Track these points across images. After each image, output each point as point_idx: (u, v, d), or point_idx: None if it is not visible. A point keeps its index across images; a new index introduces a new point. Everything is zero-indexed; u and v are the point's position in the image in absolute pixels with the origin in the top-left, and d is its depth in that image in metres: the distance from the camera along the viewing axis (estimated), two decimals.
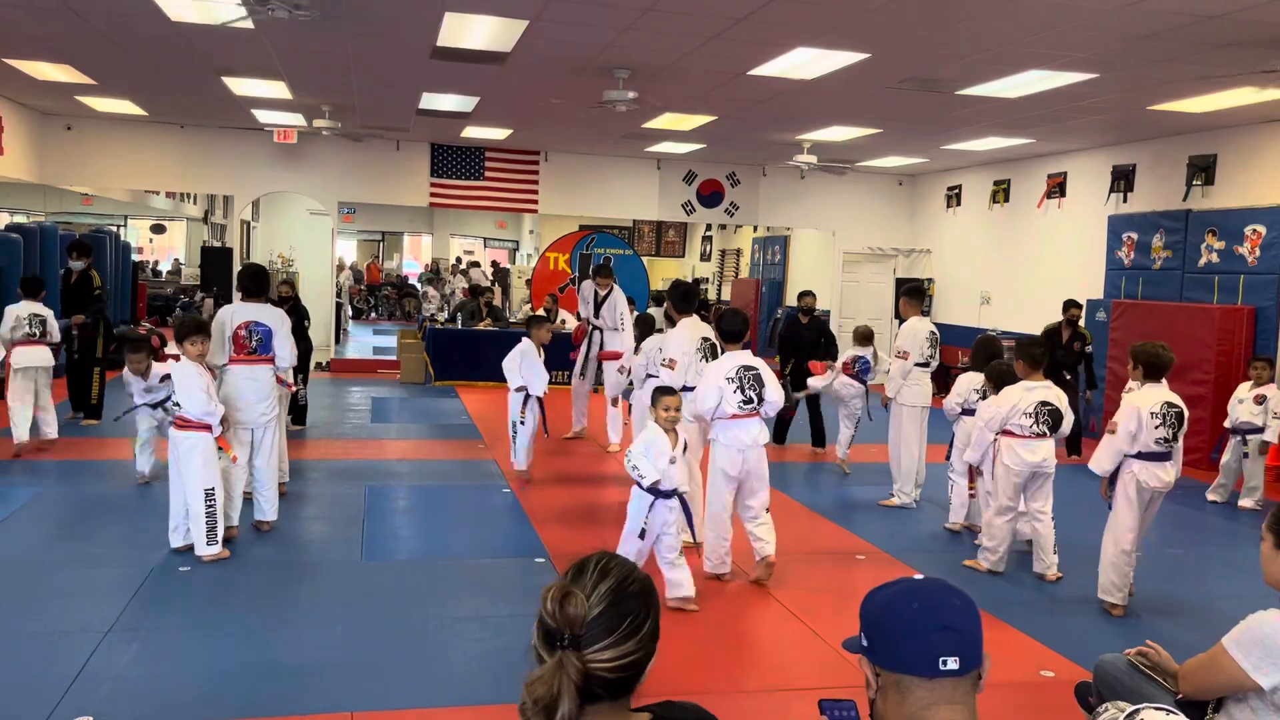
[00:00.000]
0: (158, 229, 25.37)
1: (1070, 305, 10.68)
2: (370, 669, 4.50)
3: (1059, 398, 6.22)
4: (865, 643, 1.74)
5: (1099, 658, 3.16)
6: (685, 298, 7.08)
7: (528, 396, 8.40)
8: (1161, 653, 3.02)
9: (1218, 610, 5.58)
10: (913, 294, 8.34)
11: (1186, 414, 5.60)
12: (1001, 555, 6.31)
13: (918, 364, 7.99)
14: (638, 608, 1.61)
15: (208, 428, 5.85)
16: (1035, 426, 6.13)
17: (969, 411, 7.15)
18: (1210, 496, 8.83)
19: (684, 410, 6.41)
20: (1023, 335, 12.07)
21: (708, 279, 24.07)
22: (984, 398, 6.88)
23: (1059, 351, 10.53)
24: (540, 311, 14.12)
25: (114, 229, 19.85)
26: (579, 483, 8.62)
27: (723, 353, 6.18)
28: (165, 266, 24.30)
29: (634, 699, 1.66)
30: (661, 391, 5.56)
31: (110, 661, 4.44)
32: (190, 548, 5.90)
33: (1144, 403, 5.52)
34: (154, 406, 7.57)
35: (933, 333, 8.18)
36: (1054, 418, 6.16)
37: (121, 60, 9.77)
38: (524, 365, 8.41)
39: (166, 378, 7.12)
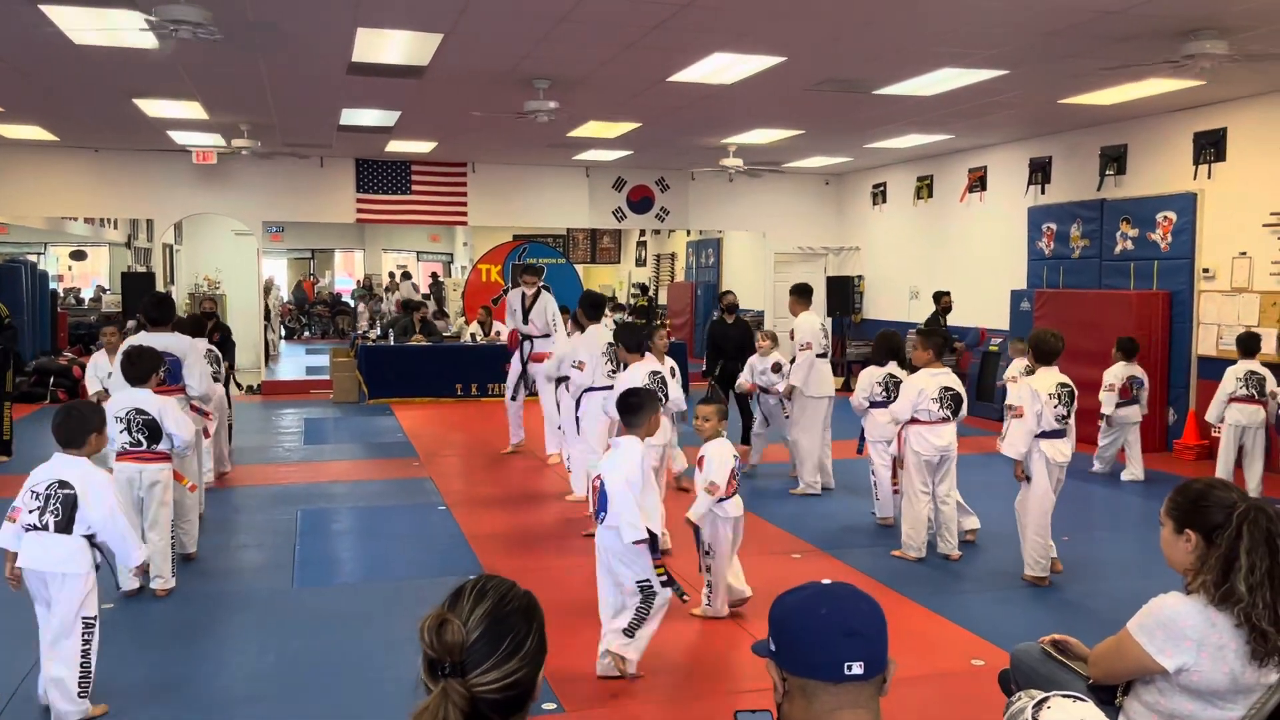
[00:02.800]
0: (78, 255, 24.75)
1: (941, 295, 11.02)
2: (305, 697, 4.43)
3: (957, 382, 6.61)
4: (773, 647, 1.75)
5: (1014, 647, 3.22)
6: (595, 307, 7.77)
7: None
8: (1071, 640, 3.09)
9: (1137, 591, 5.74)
10: (800, 292, 8.88)
11: (1076, 392, 6.10)
12: (924, 540, 6.55)
13: (819, 355, 8.47)
14: (518, 625, 1.62)
15: (169, 459, 5.63)
16: (940, 411, 6.44)
17: (876, 404, 7.41)
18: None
19: (599, 408, 7.17)
20: (953, 329, 12.29)
21: (646, 284, 24.13)
22: (886, 390, 7.35)
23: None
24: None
25: (31, 257, 19.32)
26: (516, 498, 8.55)
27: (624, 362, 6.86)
28: (88, 294, 23.69)
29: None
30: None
31: (33, 702, 4.30)
32: (138, 591, 5.65)
33: (1041, 386, 5.96)
34: None
35: (823, 325, 8.83)
36: (955, 402, 6.51)
37: (27, 86, 9.51)
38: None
39: None
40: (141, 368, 5.56)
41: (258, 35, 7.39)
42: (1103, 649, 2.82)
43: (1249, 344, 8.46)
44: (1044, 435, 5.95)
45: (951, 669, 4.75)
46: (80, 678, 4.02)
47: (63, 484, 4.04)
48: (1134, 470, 9.05)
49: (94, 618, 4.09)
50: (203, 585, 5.99)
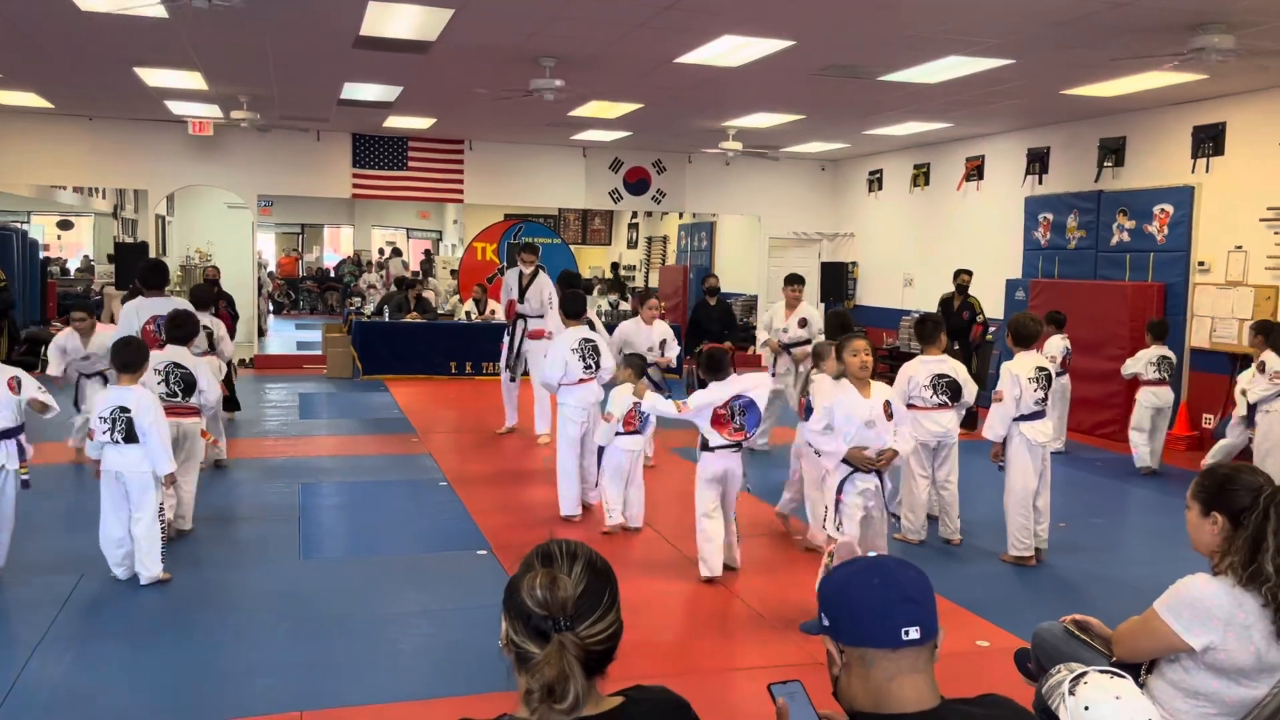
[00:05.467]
0: (65, 225, 24.49)
1: (960, 273, 11.06)
2: (317, 668, 4.46)
3: (955, 369, 6.62)
4: (826, 622, 1.80)
5: (1037, 626, 3.28)
6: (570, 285, 8.62)
7: None
8: (1093, 621, 3.15)
9: (1136, 575, 5.84)
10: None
11: (1054, 375, 6.35)
12: (923, 523, 6.68)
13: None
14: (608, 581, 1.69)
15: (199, 414, 6.27)
16: (935, 397, 6.51)
17: None
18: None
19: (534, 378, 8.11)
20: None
21: (634, 266, 24.12)
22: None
23: (951, 320, 10.73)
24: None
25: (18, 225, 19.13)
26: (516, 475, 8.59)
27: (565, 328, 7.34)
28: (74, 264, 23.47)
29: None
30: (850, 337, 5.40)
31: (44, 675, 4.32)
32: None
33: (1021, 369, 6.14)
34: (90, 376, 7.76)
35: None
36: (952, 389, 6.54)
37: (27, 51, 9.41)
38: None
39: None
40: (186, 330, 6.30)
41: (269, 5, 7.34)
42: (1128, 628, 2.88)
43: (1159, 330, 9.03)
44: (1023, 418, 6.13)
45: (957, 649, 4.82)
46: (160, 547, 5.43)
47: (123, 409, 5.29)
48: (1056, 443, 9.22)
49: (162, 504, 5.51)
50: (210, 556, 6.01)
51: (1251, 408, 7.93)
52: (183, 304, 7.13)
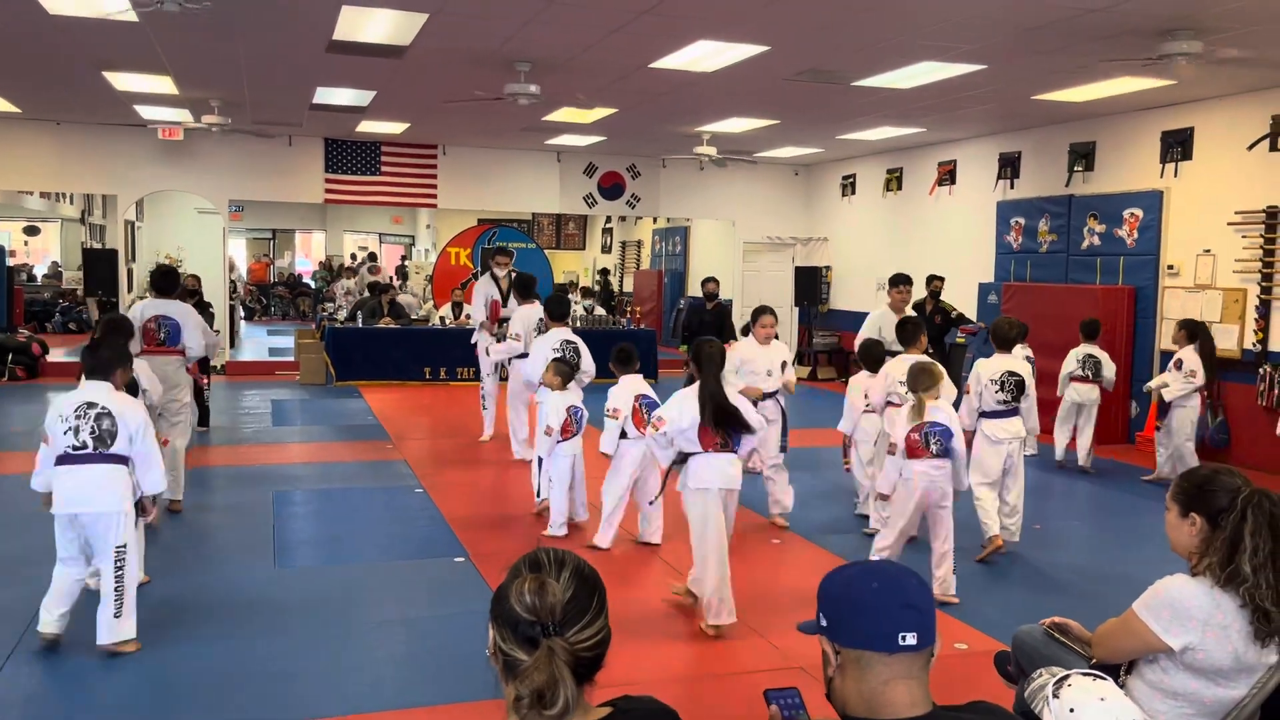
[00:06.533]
0: (31, 231, 24.17)
1: (932, 279, 11.16)
2: (296, 677, 4.41)
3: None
4: (824, 622, 1.81)
5: (1017, 629, 3.29)
6: (525, 287, 8.90)
7: None
8: (1072, 624, 3.17)
9: (1111, 575, 5.89)
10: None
11: (1027, 381, 6.57)
12: None
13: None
14: (596, 587, 1.68)
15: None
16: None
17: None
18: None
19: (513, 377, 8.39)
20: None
21: (608, 270, 24.11)
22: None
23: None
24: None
25: None
26: (492, 482, 8.56)
27: (548, 329, 7.64)
28: (41, 270, 23.17)
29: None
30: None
31: (15, 688, 4.24)
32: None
33: (986, 370, 6.53)
34: None
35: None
36: None
37: None
38: None
39: None
40: (124, 332, 6.11)
41: (241, 8, 7.27)
42: (1107, 629, 2.90)
43: (1089, 329, 9.25)
44: (985, 415, 6.51)
45: (937, 653, 4.83)
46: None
47: (91, 405, 4.40)
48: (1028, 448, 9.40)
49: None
50: (182, 564, 5.93)
51: (1168, 405, 8.29)
52: (183, 305, 7.23)
